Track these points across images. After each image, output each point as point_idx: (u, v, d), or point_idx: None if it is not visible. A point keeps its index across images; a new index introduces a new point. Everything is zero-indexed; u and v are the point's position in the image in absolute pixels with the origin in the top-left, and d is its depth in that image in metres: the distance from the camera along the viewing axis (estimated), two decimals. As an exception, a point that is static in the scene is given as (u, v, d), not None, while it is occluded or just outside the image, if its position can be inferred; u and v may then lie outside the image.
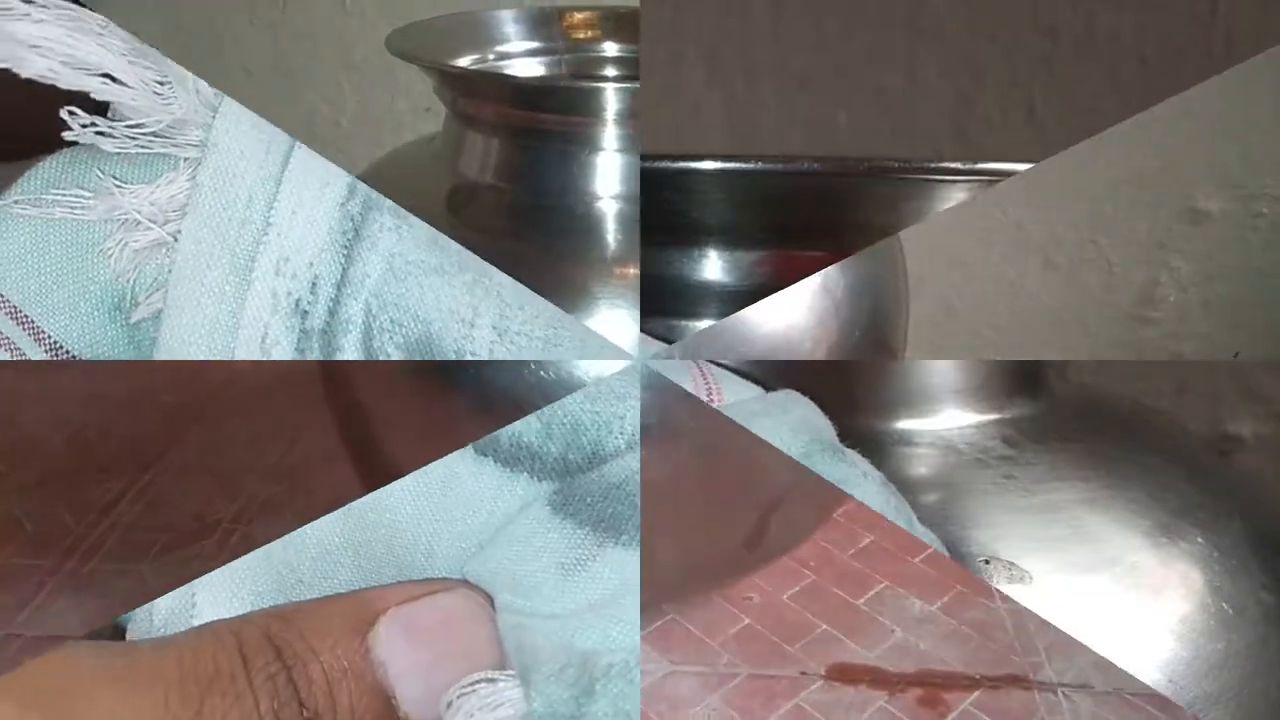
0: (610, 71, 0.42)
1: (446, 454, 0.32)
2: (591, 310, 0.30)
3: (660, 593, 0.38)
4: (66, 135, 0.28)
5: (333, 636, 0.23)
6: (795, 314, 0.33)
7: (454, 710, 0.23)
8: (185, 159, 0.28)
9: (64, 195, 0.27)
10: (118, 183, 0.27)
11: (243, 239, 0.27)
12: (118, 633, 0.32)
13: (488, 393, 0.30)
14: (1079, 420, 0.48)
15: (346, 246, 0.27)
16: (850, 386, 0.44)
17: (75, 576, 0.43)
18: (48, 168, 0.28)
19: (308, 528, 0.31)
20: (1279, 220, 0.48)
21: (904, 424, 0.46)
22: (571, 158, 0.33)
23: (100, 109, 0.28)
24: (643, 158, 0.31)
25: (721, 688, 0.36)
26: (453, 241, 0.28)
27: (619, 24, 0.42)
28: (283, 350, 0.27)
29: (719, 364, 0.30)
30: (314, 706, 0.22)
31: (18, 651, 0.39)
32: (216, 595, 0.32)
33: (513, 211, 0.34)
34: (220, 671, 0.22)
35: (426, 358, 0.26)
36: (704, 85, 0.49)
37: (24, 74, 0.27)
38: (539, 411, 0.27)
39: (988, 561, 0.36)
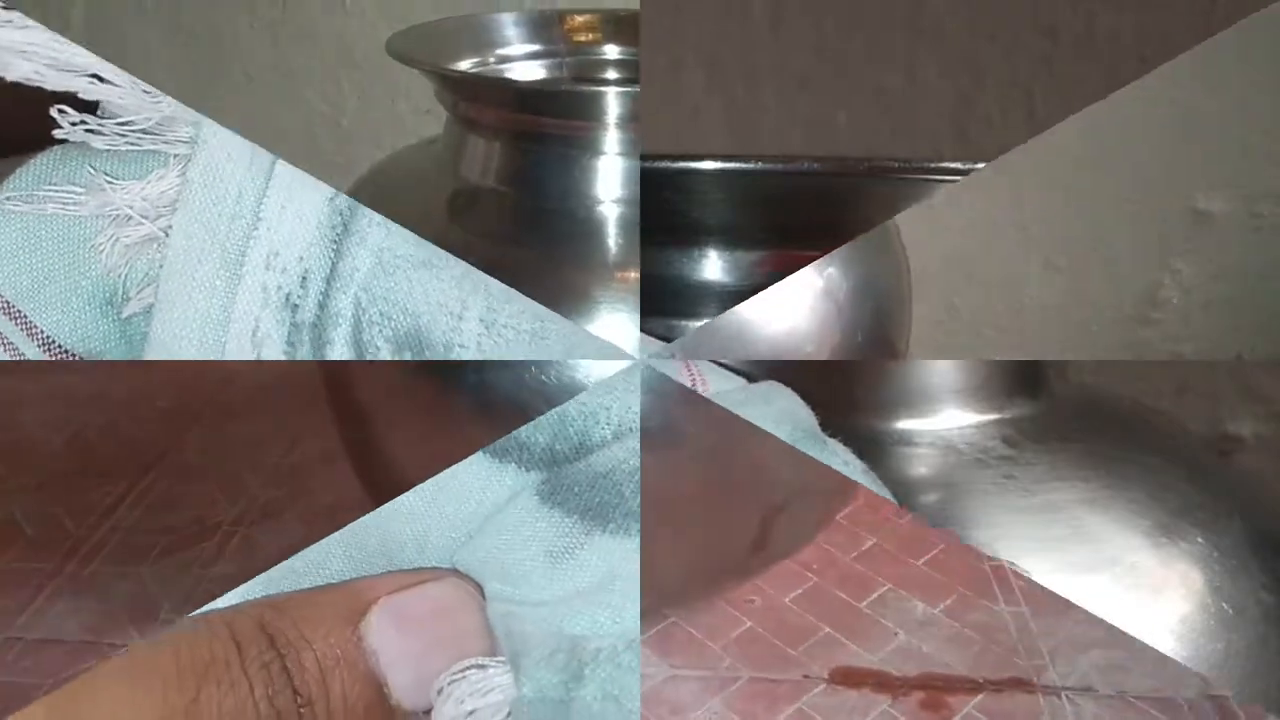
0: (611, 74, 0.42)
1: (447, 456, 0.32)
2: (593, 315, 0.30)
3: (663, 596, 0.37)
4: (57, 133, 0.28)
5: (325, 625, 0.23)
6: (798, 317, 0.33)
7: (445, 696, 0.23)
8: (175, 155, 0.27)
9: (56, 191, 0.27)
10: (109, 179, 0.27)
11: (233, 234, 0.27)
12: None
13: (488, 395, 0.30)
14: (1079, 420, 0.48)
15: (336, 241, 0.27)
16: (850, 386, 0.44)
17: (75, 580, 0.43)
18: (39, 165, 0.28)
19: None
20: (1280, 221, 0.48)
21: (904, 424, 0.45)
22: (573, 162, 0.32)
23: (89, 108, 0.28)
24: (643, 158, 0.31)
25: (723, 691, 0.36)
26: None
27: (620, 27, 0.41)
28: (274, 343, 0.27)
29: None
30: (307, 694, 0.22)
31: (18, 655, 0.38)
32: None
33: (514, 216, 0.34)
34: (216, 661, 0.22)
35: (415, 350, 0.26)
36: (704, 86, 0.49)
37: (9, 78, 0.27)
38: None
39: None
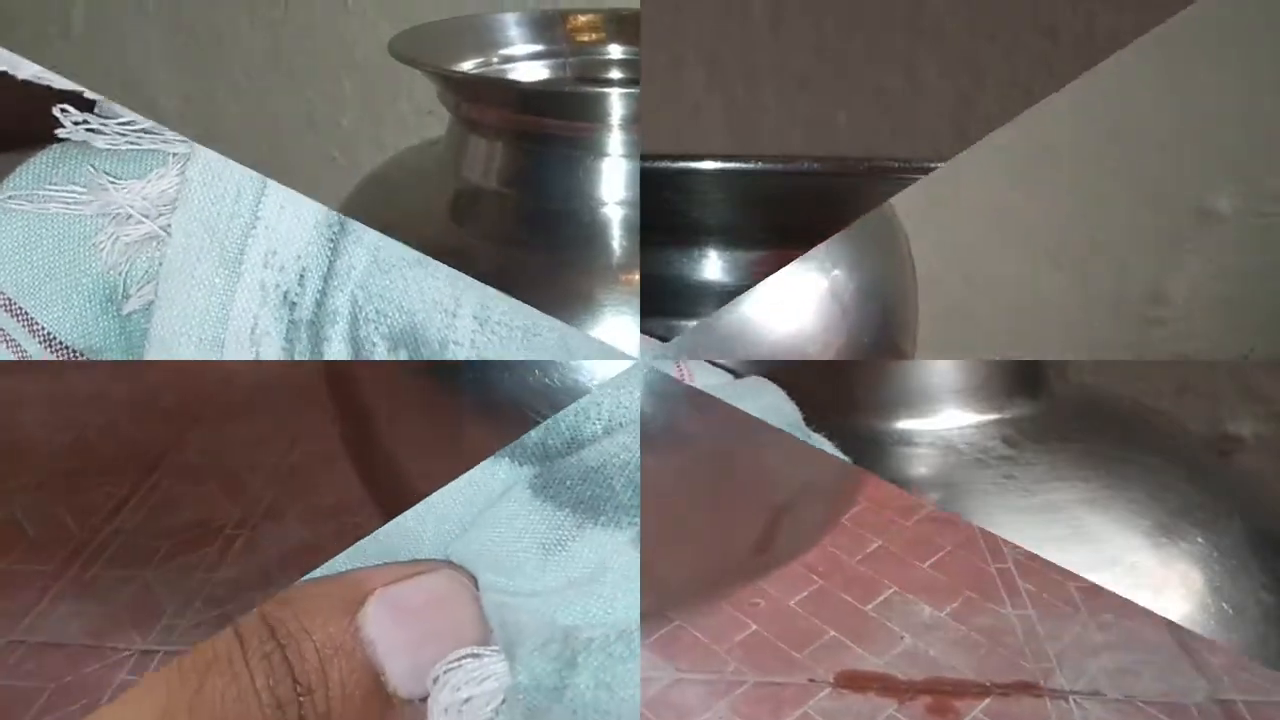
0: (615, 74, 0.41)
1: (449, 457, 0.32)
2: (596, 317, 0.29)
3: (667, 599, 0.37)
4: (59, 133, 0.28)
5: (324, 616, 0.23)
6: (803, 318, 0.32)
7: (441, 684, 0.23)
8: (174, 154, 0.27)
9: (57, 191, 0.27)
10: (111, 179, 0.27)
11: (232, 232, 0.27)
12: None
13: (491, 396, 0.29)
14: (1079, 420, 0.48)
15: (332, 240, 0.27)
16: (850, 386, 0.44)
17: (78, 583, 0.42)
18: (39, 163, 0.28)
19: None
20: (1290, 219, 0.48)
21: (904, 424, 0.45)
22: (576, 163, 0.32)
23: (89, 105, 0.28)
24: (643, 158, 0.30)
25: (728, 695, 0.35)
26: None
27: (623, 26, 0.40)
28: (272, 340, 0.27)
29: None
30: (307, 683, 0.22)
31: (20, 659, 0.38)
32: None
33: (517, 218, 0.33)
34: (218, 652, 0.22)
35: (411, 347, 0.26)
36: (704, 86, 0.48)
37: (20, 76, 0.28)
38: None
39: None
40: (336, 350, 0.27)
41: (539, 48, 0.39)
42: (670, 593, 0.36)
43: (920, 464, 0.47)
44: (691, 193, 0.31)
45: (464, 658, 0.23)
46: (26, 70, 0.28)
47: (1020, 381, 0.48)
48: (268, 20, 0.54)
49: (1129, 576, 0.41)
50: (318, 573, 0.27)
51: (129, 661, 0.38)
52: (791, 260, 0.32)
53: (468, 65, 0.37)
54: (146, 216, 0.27)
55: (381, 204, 0.35)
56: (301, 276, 0.27)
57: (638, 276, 0.30)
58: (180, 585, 0.42)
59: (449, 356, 0.26)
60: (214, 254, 0.27)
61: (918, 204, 0.47)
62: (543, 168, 0.33)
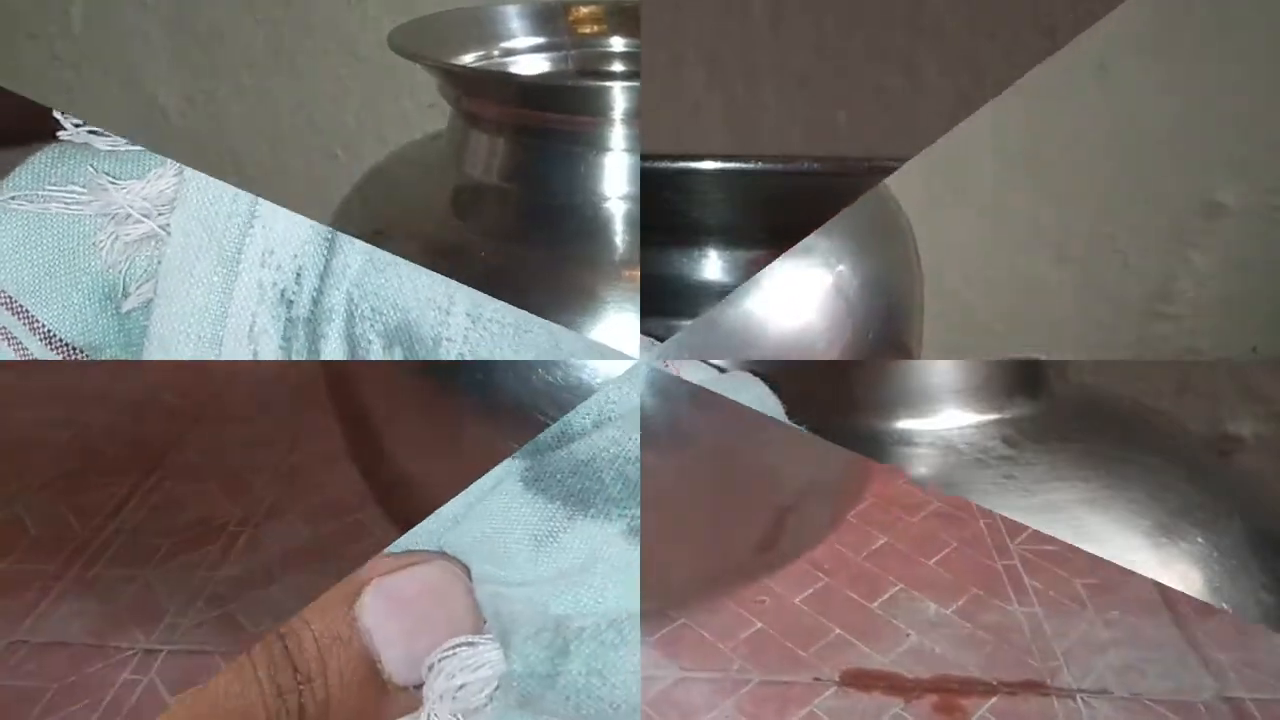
0: (617, 67, 0.40)
1: (452, 457, 0.31)
2: (599, 314, 0.29)
3: (671, 598, 0.36)
4: (61, 135, 0.28)
5: (322, 607, 0.24)
6: (808, 315, 0.32)
7: (436, 672, 0.24)
8: None
9: (58, 190, 0.28)
10: (110, 179, 0.28)
11: (229, 232, 0.27)
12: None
13: (493, 397, 0.29)
14: (1079, 420, 0.47)
15: (328, 239, 0.28)
16: (851, 386, 0.43)
17: (80, 582, 0.42)
18: (39, 163, 0.28)
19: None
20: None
21: (904, 424, 0.45)
22: (578, 158, 0.31)
23: None
24: (643, 158, 0.30)
25: (733, 694, 0.35)
26: None
27: (625, 18, 0.40)
28: (270, 338, 0.27)
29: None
30: (306, 671, 0.23)
31: (22, 659, 0.37)
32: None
33: (519, 213, 0.33)
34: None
35: (405, 344, 0.27)
36: (704, 85, 0.48)
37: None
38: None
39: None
40: (333, 347, 0.27)
41: (540, 40, 0.38)
42: (674, 591, 0.35)
43: (920, 464, 0.46)
44: (691, 193, 0.31)
45: (458, 646, 0.24)
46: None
47: (1020, 381, 0.47)
48: (269, 16, 0.54)
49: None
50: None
51: (132, 661, 0.37)
52: (782, 254, 0.32)
53: (469, 58, 0.36)
54: (146, 216, 0.28)
55: (383, 199, 0.35)
56: (298, 275, 0.27)
57: (639, 273, 0.30)
58: (182, 584, 0.41)
59: (443, 353, 0.26)
60: (212, 253, 0.27)
61: (921, 200, 0.46)
62: (544, 163, 0.32)
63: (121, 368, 0.54)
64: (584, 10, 0.38)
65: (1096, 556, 0.40)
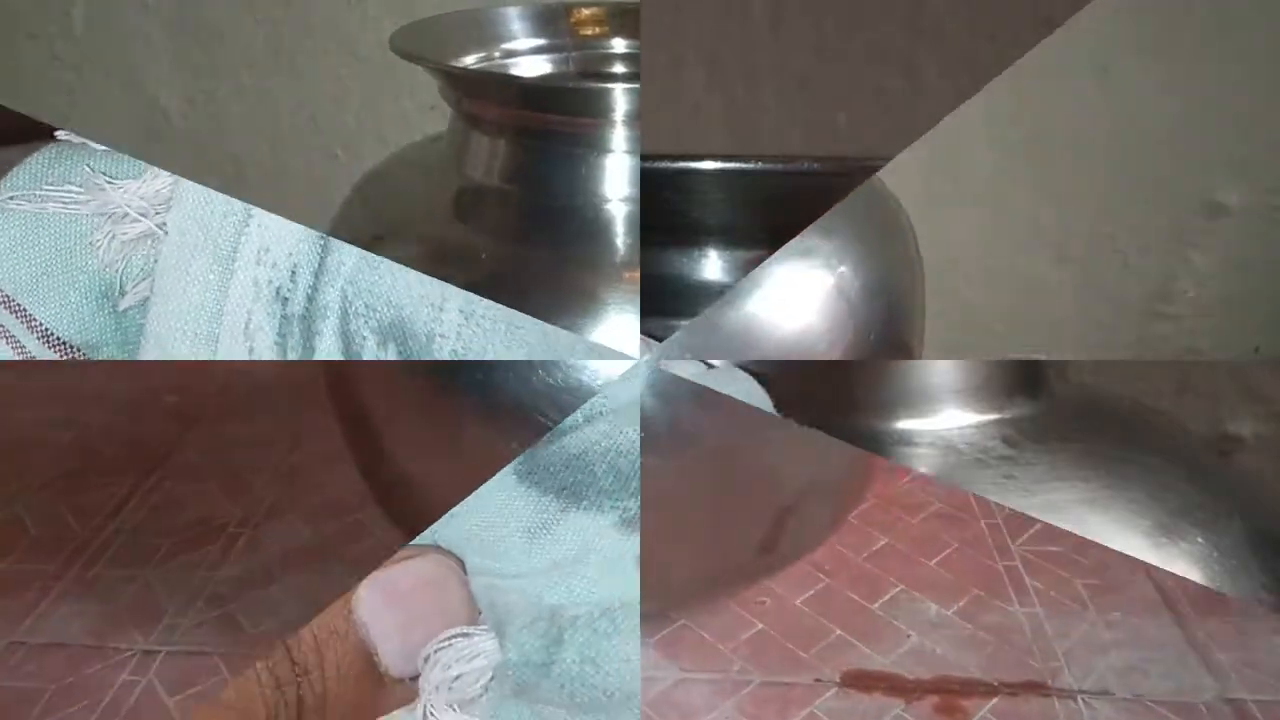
0: (619, 69, 0.40)
1: (453, 458, 0.31)
2: (599, 316, 0.29)
3: (671, 599, 0.36)
4: (59, 134, 0.29)
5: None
6: (810, 317, 0.32)
7: (432, 663, 0.24)
8: None
9: (56, 190, 0.28)
10: (107, 178, 0.28)
11: (225, 230, 0.28)
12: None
13: (494, 398, 0.29)
14: (1079, 420, 0.47)
15: (323, 237, 0.28)
16: (851, 386, 0.43)
17: (79, 582, 0.42)
18: (36, 163, 0.28)
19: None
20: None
21: (904, 424, 0.45)
22: (579, 160, 0.31)
23: None
24: (643, 158, 0.30)
25: (734, 695, 0.35)
26: None
27: (627, 20, 0.39)
28: (265, 335, 0.28)
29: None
30: (304, 664, 0.24)
31: (21, 660, 0.37)
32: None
33: (520, 215, 0.32)
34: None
35: (399, 340, 0.27)
36: (704, 86, 0.47)
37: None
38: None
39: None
40: (328, 344, 0.27)
41: (542, 42, 0.38)
42: (674, 592, 0.35)
43: (920, 464, 0.46)
44: (691, 193, 0.31)
45: (454, 637, 0.25)
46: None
47: (1020, 381, 0.47)
48: (269, 17, 0.53)
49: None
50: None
51: (131, 662, 0.37)
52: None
53: (470, 60, 0.36)
54: (142, 215, 0.28)
55: (383, 201, 0.35)
56: (293, 273, 0.27)
57: (639, 274, 0.30)
58: (182, 584, 0.41)
59: (436, 349, 0.26)
60: (208, 251, 0.28)
61: (921, 199, 0.46)
62: (546, 164, 0.32)
63: (122, 368, 0.53)
64: (585, 12, 0.38)
65: (1099, 553, 0.40)
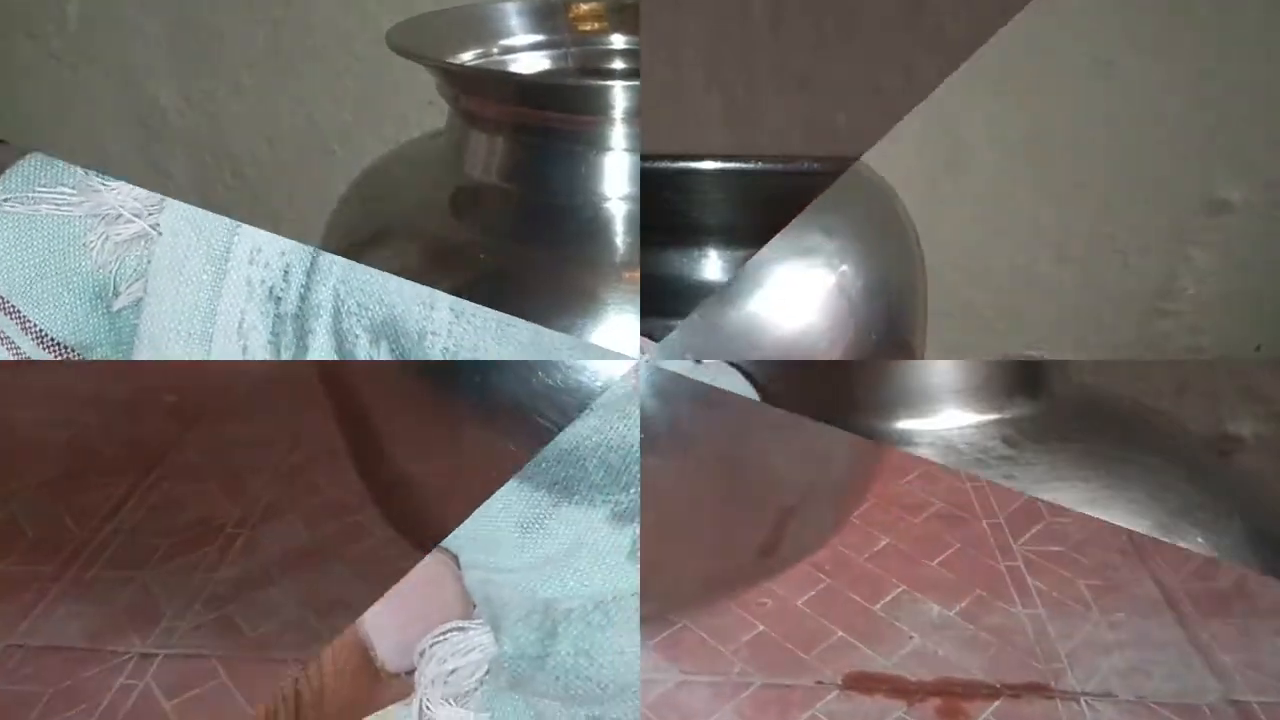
0: (618, 65, 0.40)
1: (450, 459, 0.31)
2: (598, 316, 0.29)
3: (672, 601, 0.36)
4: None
5: None
6: (811, 316, 0.31)
7: (427, 658, 0.25)
8: None
9: (49, 192, 0.28)
10: (101, 180, 0.28)
11: (218, 231, 0.28)
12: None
13: (492, 398, 0.28)
14: (1079, 420, 0.47)
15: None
16: (851, 386, 0.43)
17: (77, 584, 0.41)
18: (29, 166, 0.28)
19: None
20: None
21: (904, 424, 0.44)
22: (579, 158, 0.31)
23: None
24: (643, 158, 0.30)
25: (734, 698, 0.34)
26: None
27: (625, 16, 0.39)
28: (259, 334, 0.28)
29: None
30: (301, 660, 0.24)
31: (19, 663, 0.37)
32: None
33: (518, 214, 0.32)
34: None
35: (391, 338, 0.27)
36: (704, 86, 0.47)
37: None
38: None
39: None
40: (320, 342, 0.27)
41: (540, 38, 0.38)
42: (675, 593, 0.35)
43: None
44: (691, 193, 0.31)
45: (449, 631, 0.25)
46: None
47: (1020, 381, 0.47)
48: (267, 14, 0.53)
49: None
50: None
51: (128, 665, 0.36)
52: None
53: (467, 56, 0.36)
54: (136, 216, 0.28)
55: (381, 199, 0.34)
56: (286, 272, 0.27)
57: (639, 274, 0.29)
58: (180, 586, 0.41)
59: (427, 346, 0.27)
60: (201, 251, 0.28)
61: (923, 199, 0.45)
62: (544, 162, 0.32)
63: (120, 368, 0.53)
64: (584, 7, 0.37)
65: (1101, 553, 0.40)
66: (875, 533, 0.43)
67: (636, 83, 0.30)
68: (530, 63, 0.38)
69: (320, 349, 0.27)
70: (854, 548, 0.42)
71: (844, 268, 0.32)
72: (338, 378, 0.33)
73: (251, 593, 0.40)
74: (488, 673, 0.25)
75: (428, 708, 0.25)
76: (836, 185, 0.34)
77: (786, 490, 0.33)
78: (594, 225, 0.31)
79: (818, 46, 0.48)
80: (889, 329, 0.33)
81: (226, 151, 0.57)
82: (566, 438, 0.27)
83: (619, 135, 0.31)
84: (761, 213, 0.32)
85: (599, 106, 0.30)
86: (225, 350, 0.27)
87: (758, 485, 0.32)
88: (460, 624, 0.25)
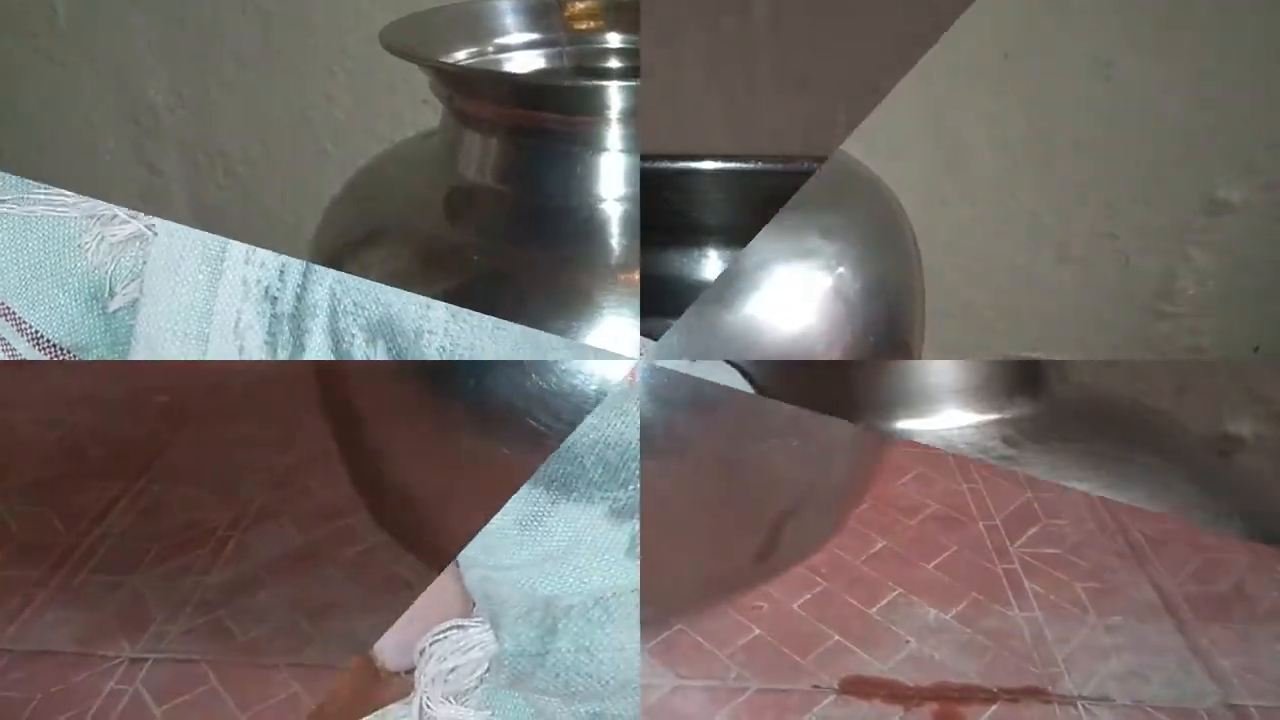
0: (614, 63, 0.39)
1: (445, 463, 0.31)
2: (594, 319, 0.28)
3: (669, 603, 0.36)
4: None
5: None
6: (809, 318, 0.31)
7: (427, 656, 0.25)
8: None
9: (44, 193, 0.28)
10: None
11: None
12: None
13: (488, 401, 0.28)
14: (1079, 420, 0.47)
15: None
16: (851, 386, 0.43)
17: (66, 588, 0.41)
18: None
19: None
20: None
21: (904, 424, 0.44)
22: (575, 158, 0.31)
23: None
24: (643, 158, 0.30)
25: (730, 703, 0.34)
26: None
27: (622, 14, 0.39)
28: (255, 334, 0.28)
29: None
30: None
31: (6, 668, 0.37)
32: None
33: (513, 215, 0.32)
34: None
35: (388, 336, 0.27)
36: (704, 85, 0.47)
37: None
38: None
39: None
40: (317, 341, 0.27)
41: (535, 36, 0.37)
42: (672, 596, 0.35)
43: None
44: (691, 193, 0.30)
45: (450, 629, 0.25)
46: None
47: (1020, 381, 0.47)
48: (259, 10, 0.53)
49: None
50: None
51: (118, 670, 0.36)
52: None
53: (461, 56, 0.36)
54: (131, 216, 0.28)
55: (374, 199, 0.34)
56: (281, 271, 0.28)
57: (637, 275, 0.29)
58: (170, 590, 0.41)
59: (424, 345, 0.27)
60: (197, 251, 0.28)
61: (923, 198, 0.45)
62: (539, 163, 0.31)
63: (112, 368, 0.53)
64: (579, 6, 0.37)
65: (1097, 555, 0.40)
66: (871, 535, 0.43)
67: (632, 83, 0.30)
68: (525, 61, 0.37)
69: (316, 348, 0.27)
70: (850, 550, 0.42)
71: (841, 269, 0.31)
72: (331, 380, 0.33)
73: (243, 597, 0.40)
74: (488, 670, 0.25)
75: (428, 706, 0.25)
76: (836, 187, 0.34)
77: (784, 492, 0.33)
78: (590, 227, 0.31)
79: (818, 46, 0.48)
80: (887, 330, 0.33)
81: (219, 150, 0.57)
82: (565, 432, 0.27)
83: (615, 136, 0.31)
84: (761, 213, 0.31)
85: (594, 107, 0.30)
86: (221, 350, 0.27)
87: (755, 488, 0.32)
88: (460, 622, 0.25)
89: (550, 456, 0.27)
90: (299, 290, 0.27)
